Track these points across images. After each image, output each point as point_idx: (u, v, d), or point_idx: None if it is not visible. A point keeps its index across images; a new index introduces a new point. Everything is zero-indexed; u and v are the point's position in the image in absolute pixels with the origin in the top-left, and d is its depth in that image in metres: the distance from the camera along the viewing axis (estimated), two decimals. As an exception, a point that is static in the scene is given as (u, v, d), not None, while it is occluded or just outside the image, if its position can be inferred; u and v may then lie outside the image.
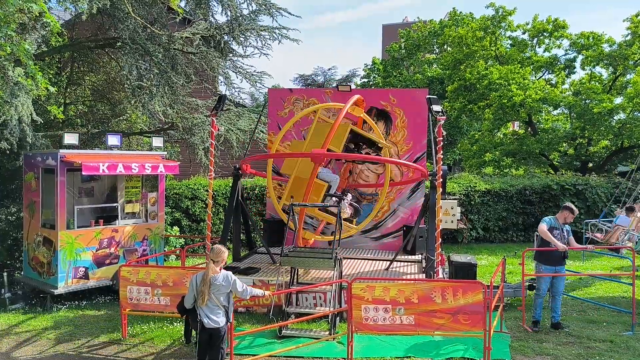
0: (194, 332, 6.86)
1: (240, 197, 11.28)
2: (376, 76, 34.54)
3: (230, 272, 6.59)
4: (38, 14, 9.23)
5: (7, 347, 8.36)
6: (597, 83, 24.05)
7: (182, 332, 6.64)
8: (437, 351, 7.72)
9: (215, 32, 13.68)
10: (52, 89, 9.86)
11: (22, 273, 11.75)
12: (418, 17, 33.75)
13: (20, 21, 10.03)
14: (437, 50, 33.26)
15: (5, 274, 11.10)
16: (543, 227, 8.69)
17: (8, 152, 11.28)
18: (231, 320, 6.72)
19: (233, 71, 14.90)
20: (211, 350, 6.38)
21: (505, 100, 22.91)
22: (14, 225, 13.18)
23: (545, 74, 26.77)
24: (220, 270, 6.43)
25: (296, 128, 12.35)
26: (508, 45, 26.76)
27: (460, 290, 7.09)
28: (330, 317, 8.47)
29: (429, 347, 7.84)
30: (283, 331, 8.35)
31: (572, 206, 8.79)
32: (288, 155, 11.50)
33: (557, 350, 7.77)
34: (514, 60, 24.86)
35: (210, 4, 13.86)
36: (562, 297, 10.31)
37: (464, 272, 9.83)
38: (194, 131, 15.15)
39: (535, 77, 26.14)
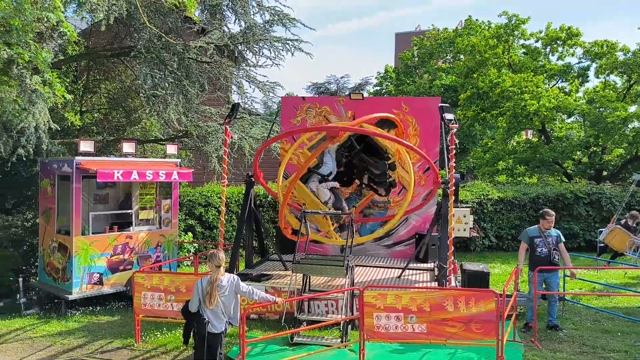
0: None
1: (252, 205, 11.33)
2: (389, 84, 34.56)
3: (233, 274, 6.72)
4: (55, 24, 9.39)
5: (22, 352, 8.46)
6: (611, 91, 23.88)
7: (185, 338, 6.78)
8: (450, 360, 7.69)
9: (229, 42, 13.81)
10: (69, 97, 10.01)
11: (37, 278, 11.88)
12: (432, 25, 33.74)
13: (38, 30, 10.21)
14: (450, 58, 33.23)
15: (20, 279, 11.24)
16: (521, 246, 9.41)
17: (25, 159, 11.46)
18: (237, 326, 6.81)
19: (246, 80, 15.03)
20: (209, 351, 6.46)
21: (519, 110, 22.81)
22: (30, 231, 13.36)
23: (559, 82, 26.64)
24: (222, 273, 6.53)
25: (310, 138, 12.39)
26: (521, 54, 26.68)
27: (473, 299, 7.07)
28: (342, 325, 8.46)
29: (441, 356, 7.80)
30: (295, 338, 8.35)
31: (546, 212, 9.17)
32: (308, 129, 11.42)
33: (571, 360, 7.70)
34: (527, 69, 24.77)
35: (224, 13, 14.00)
36: (576, 307, 10.28)
37: (477, 281, 9.77)
38: (207, 139, 15.27)
39: (549, 85, 26.02)
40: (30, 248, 13.07)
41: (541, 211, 9.37)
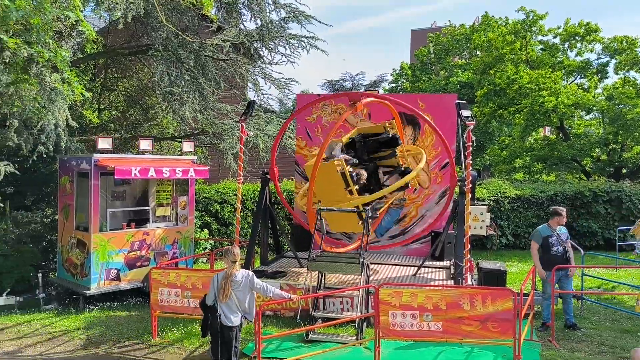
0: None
1: (268, 202, 11.37)
2: (404, 81, 34.42)
3: (248, 270, 6.82)
4: (74, 22, 9.49)
5: (41, 346, 8.59)
6: (630, 87, 23.51)
7: (203, 331, 6.94)
8: (466, 359, 7.65)
9: (245, 39, 13.85)
10: (87, 94, 10.11)
11: (56, 274, 12.05)
12: (449, 21, 33.51)
13: (57, 29, 10.33)
14: (467, 55, 32.99)
15: (39, 274, 11.41)
16: (533, 247, 9.09)
17: (45, 156, 11.61)
18: (252, 322, 6.87)
19: (262, 78, 15.07)
20: (224, 347, 6.57)
21: (537, 106, 22.58)
22: (49, 228, 13.53)
23: (577, 78, 26.31)
24: (237, 269, 6.64)
25: (324, 133, 12.41)
26: (539, 50, 26.39)
27: (490, 298, 7.02)
28: (357, 322, 8.46)
29: (457, 354, 7.77)
30: (310, 335, 8.38)
31: (558, 209, 9.14)
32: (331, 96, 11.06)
33: (589, 360, 7.62)
34: (545, 65, 24.49)
35: (240, 11, 14.04)
36: (594, 306, 10.17)
37: (493, 279, 9.72)
38: (223, 136, 15.34)
39: (567, 81, 25.71)
40: (49, 244, 13.25)
41: (552, 208, 9.30)
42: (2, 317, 10.08)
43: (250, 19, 14.17)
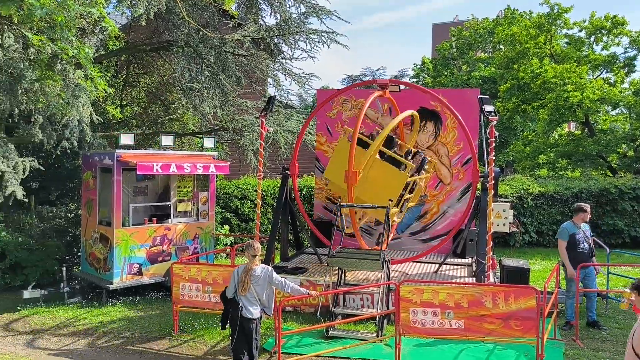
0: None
1: (288, 198, 11.36)
2: (426, 76, 34.14)
3: (267, 266, 6.87)
4: (97, 19, 9.57)
5: (65, 339, 8.72)
6: (659, 82, 22.99)
7: (223, 323, 7.02)
8: (488, 357, 7.55)
9: (265, 35, 13.84)
10: (110, 90, 10.21)
11: (79, 268, 12.22)
12: (472, 15, 33.04)
13: (80, 26, 10.43)
14: (490, 49, 32.57)
15: (64, 268, 11.57)
16: (561, 245, 8.91)
17: (68, 151, 11.76)
18: (271, 316, 6.90)
19: (282, 73, 15.05)
20: (244, 339, 6.61)
21: (562, 101, 22.18)
22: (73, 222, 13.73)
23: (603, 72, 25.78)
24: (257, 263, 6.70)
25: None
26: (564, 44, 25.91)
27: (512, 295, 6.92)
28: (377, 319, 8.42)
29: (478, 353, 7.68)
30: (330, 331, 8.36)
31: (583, 205, 9.01)
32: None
33: (615, 360, 7.47)
34: (570, 59, 24.04)
35: (260, 6, 14.03)
36: (618, 305, 9.97)
37: (516, 277, 9.57)
38: (243, 132, 15.37)
39: (593, 76, 25.21)
40: (73, 238, 13.44)
41: (576, 205, 9.16)
42: (27, 310, 10.26)
43: (270, 14, 14.15)
